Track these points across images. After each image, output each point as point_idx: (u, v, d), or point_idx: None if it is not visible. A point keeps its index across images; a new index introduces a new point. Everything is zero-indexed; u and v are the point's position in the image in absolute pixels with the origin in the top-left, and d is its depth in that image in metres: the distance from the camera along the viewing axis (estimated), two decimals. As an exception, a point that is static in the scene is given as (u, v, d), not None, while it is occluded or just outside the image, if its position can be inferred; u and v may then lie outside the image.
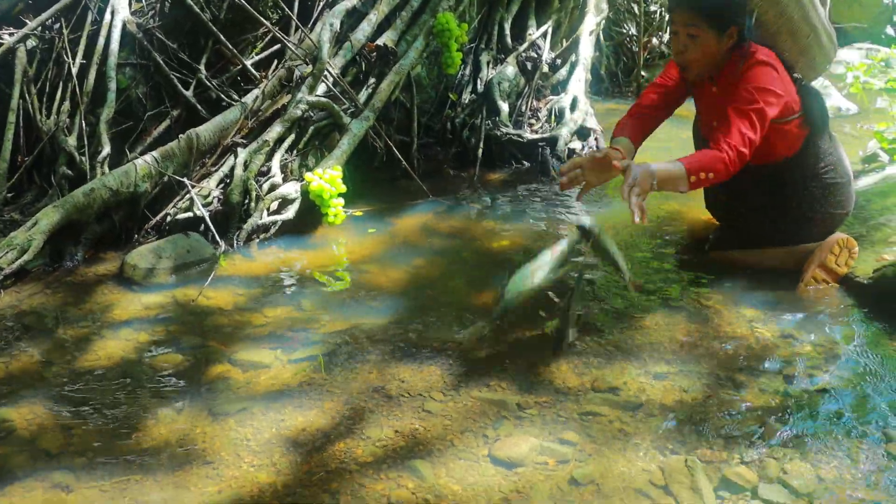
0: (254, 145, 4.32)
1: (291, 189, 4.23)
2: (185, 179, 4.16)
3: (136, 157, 4.17)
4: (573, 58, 6.13)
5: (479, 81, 5.72)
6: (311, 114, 4.55)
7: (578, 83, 5.87)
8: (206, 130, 4.34)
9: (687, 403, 2.68)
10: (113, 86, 4.43)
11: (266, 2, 5.01)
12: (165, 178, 4.15)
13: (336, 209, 4.18)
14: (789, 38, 3.42)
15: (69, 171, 4.16)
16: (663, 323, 3.22)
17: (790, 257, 3.55)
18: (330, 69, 4.70)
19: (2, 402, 2.75)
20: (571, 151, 5.33)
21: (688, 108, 3.73)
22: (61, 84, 4.45)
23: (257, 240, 4.11)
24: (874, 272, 3.36)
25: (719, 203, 3.83)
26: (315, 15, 5.09)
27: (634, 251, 3.94)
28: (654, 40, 8.22)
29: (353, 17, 5.03)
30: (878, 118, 5.97)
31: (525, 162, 5.36)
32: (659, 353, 2.99)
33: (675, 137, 4.24)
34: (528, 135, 5.43)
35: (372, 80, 4.98)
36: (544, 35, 6.13)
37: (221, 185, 4.24)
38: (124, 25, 4.58)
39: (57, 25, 4.58)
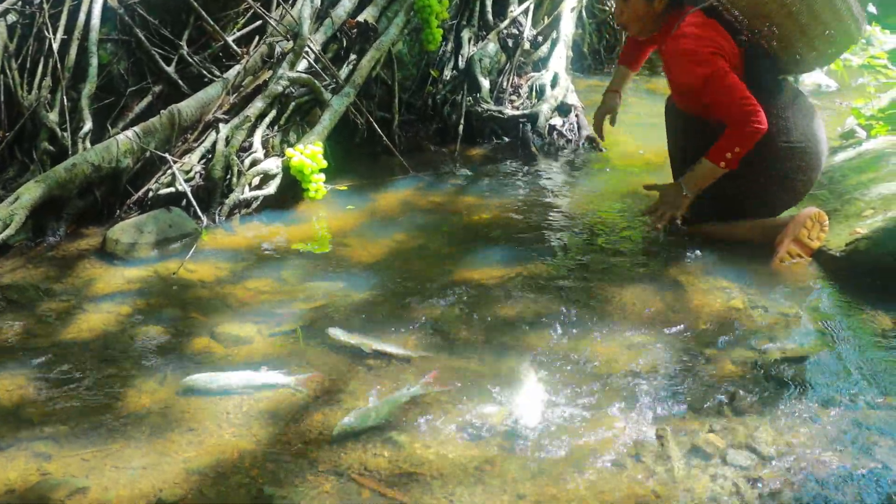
0: (235, 121, 4.33)
1: (273, 164, 4.25)
2: (166, 155, 4.17)
3: (118, 133, 4.18)
4: (554, 35, 6.16)
5: (460, 58, 5.74)
6: (293, 90, 4.57)
7: (559, 60, 5.90)
8: (187, 106, 4.35)
9: (660, 374, 2.73)
10: (94, 61, 4.42)
11: (247, -23, 5.02)
12: (147, 154, 4.16)
13: (317, 184, 4.21)
14: (780, 10, 3.38)
15: (51, 147, 4.16)
16: (638, 295, 3.27)
17: (763, 230, 3.61)
18: (311, 45, 4.71)
19: (-15, 374, 2.78)
20: (552, 128, 5.37)
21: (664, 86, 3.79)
22: (42, 59, 4.43)
23: (239, 215, 4.14)
24: (846, 245, 3.42)
25: (676, 165, 3.94)
26: (296, -9, 5.09)
27: (611, 225, 3.99)
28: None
29: (335, -6, 5.04)
30: (858, 95, 6.03)
31: (506, 138, 5.40)
32: (633, 325, 3.04)
33: (656, 113, 4.27)
34: (509, 111, 5.46)
35: (353, 57, 5.00)
36: (526, 12, 6.15)
37: (203, 161, 4.25)
38: (105, 1, 4.57)
39: (38, 0, 4.56)
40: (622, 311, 3.15)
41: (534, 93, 5.69)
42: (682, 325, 3.03)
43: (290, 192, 4.29)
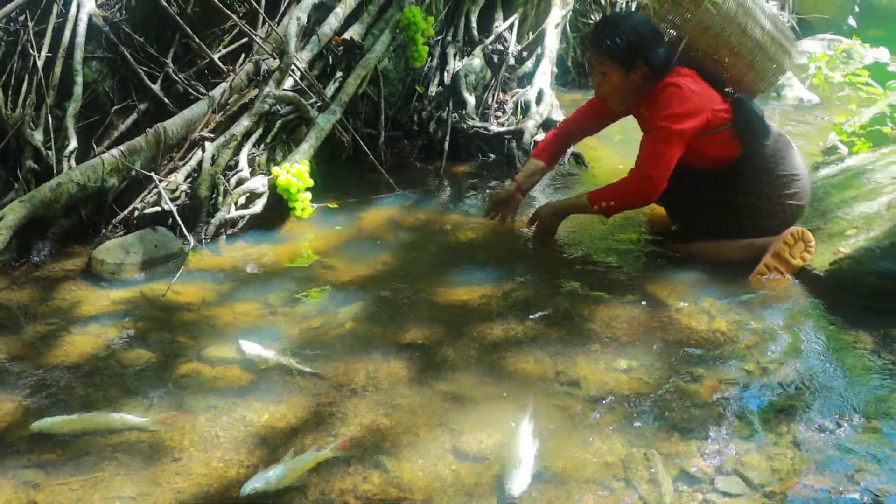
0: (221, 139, 4.33)
1: (259, 183, 4.25)
2: (152, 174, 4.16)
3: (104, 152, 4.16)
4: (539, 50, 6.18)
5: (445, 74, 5.76)
6: (279, 108, 4.57)
7: (544, 76, 5.92)
8: (173, 124, 4.34)
9: (646, 396, 2.75)
10: (79, 79, 4.40)
11: (233, -5, 5.02)
12: (133, 173, 4.15)
13: (304, 203, 4.20)
14: (731, 56, 3.63)
15: (35, 166, 4.14)
16: (623, 316, 3.29)
17: (749, 250, 3.64)
18: (297, 63, 4.72)
19: (-29, 398, 2.77)
20: (537, 144, 5.38)
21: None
22: (27, 77, 4.40)
23: (225, 234, 4.12)
24: (830, 265, 3.45)
25: (670, 205, 4.06)
26: (282, 9, 5.09)
27: (596, 244, 4.01)
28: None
29: (321, 11, 5.05)
30: (840, 110, 6.08)
31: (491, 154, 5.39)
32: (619, 347, 3.06)
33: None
34: (495, 127, 5.47)
35: (339, 74, 5.00)
36: (511, 27, 6.18)
37: (189, 180, 4.24)
38: (90, 18, 4.55)
39: (22, 18, 4.54)
40: (608, 332, 3.17)
41: (519, 109, 5.70)
42: (667, 347, 3.05)
43: (277, 210, 4.28)
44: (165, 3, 4.65)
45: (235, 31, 5.03)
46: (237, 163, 4.33)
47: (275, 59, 4.73)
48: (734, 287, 3.49)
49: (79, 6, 4.54)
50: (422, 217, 4.43)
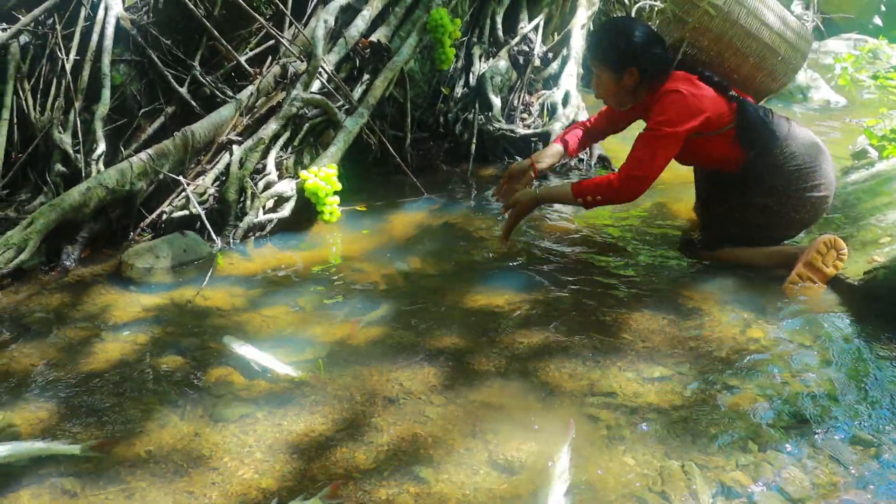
0: (249, 142, 4.33)
1: (287, 187, 4.25)
2: (180, 177, 4.17)
3: (131, 155, 4.18)
4: (565, 51, 6.15)
5: (471, 75, 5.74)
6: (306, 111, 4.56)
7: (570, 77, 5.90)
8: (200, 127, 4.34)
9: (682, 407, 2.72)
10: (107, 82, 4.42)
11: (260, -3, 5.02)
12: (161, 176, 4.16)
13: (331, 207, 4.20)
14: (736, 58, 3.67)
15: (64, 169, 4.16)
16: (656, 325, 3.26)
17: (780, 257, 3.61)
18: (325, 66, 4.71)
19: (5, 404, 2.77)
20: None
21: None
22: (55, 80, 4.44)
23: (253, 237, 4.13)
24: (865, 274, 3.41)
25: (698, 207, 4.14)
26: (309, 11, 5.09)
27: (626, 249, 3.99)
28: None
29: (348, 14, 5.05)
30: (867, 112, 6.03)
31: (518, 157, 5.37)
32: (653, 356, 3.03)
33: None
34: (521, 130, 5.45)
35: (366, 77, 4.99)
36: (536, 28, 6.16)
37: (217, 183, 4.25)
38: (118, 21, 4.57)
39: (50, 21, 4.56)
40: (641, 341, 3.14)
41: (545, 111, 5.68)
42: (701, 356, 3.03)
43: (305, 214, 4.28)
44: (192, 6, 4.66)
45: (262, 34, 5.04)
46: (265, 166, 4.33)
47: (302, 61, 4.73)
48: (767, 296, 3.46)
49: (106, 9, 4.57)
50: (450, 221, 4.42)
